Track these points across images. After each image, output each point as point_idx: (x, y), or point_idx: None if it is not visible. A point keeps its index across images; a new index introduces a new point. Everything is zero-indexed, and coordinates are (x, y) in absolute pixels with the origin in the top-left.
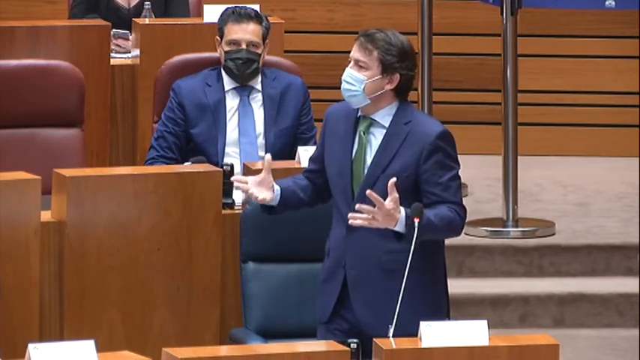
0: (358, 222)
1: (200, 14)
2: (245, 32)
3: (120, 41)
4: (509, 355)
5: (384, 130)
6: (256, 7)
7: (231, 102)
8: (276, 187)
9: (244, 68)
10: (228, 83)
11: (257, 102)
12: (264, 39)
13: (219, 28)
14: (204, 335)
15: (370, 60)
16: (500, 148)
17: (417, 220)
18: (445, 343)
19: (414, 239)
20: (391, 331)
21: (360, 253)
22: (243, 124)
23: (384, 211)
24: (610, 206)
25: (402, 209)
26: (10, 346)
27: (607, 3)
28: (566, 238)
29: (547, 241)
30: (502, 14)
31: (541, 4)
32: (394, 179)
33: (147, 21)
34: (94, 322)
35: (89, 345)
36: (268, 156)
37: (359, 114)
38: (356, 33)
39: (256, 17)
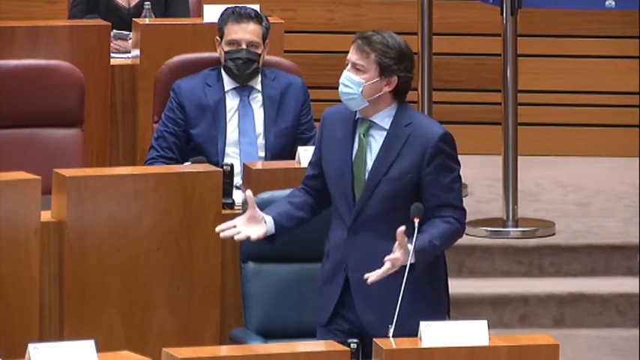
0: (374, 278)
1: (200, 14)
2: (245, 32)
3: (119, 42)
4: (509, 355)
5: (384, 133)
6: (256, 7)
7: (231, 102)
8: (267, 218)
9: (244, 68)
10: (228, 83)
11: (257, 102)
12: (264, 39)
13: (219, 28)
14: (204, 335)
15: (368, 63)
16: (500, 148)
17: (416, 220)
18: (445, 343)
19: (414, 239)
20: (391, 331)
21: (362, 255)
22: (243, 125)
23: (397, 266)
24: (610, 206)
25: (410, 246)
26: (10, 346)
27: (607, 3)
28: (566, 238)
29: (547, 241)
30: (502, 14)
31: (541, 4)
32: (403, 228)
33: (147, 21)
34: (94, 322)
35: (89, 345)
36: (249, 192)
37: (357, 116)
38: (356, 33)
39: (256, 17)
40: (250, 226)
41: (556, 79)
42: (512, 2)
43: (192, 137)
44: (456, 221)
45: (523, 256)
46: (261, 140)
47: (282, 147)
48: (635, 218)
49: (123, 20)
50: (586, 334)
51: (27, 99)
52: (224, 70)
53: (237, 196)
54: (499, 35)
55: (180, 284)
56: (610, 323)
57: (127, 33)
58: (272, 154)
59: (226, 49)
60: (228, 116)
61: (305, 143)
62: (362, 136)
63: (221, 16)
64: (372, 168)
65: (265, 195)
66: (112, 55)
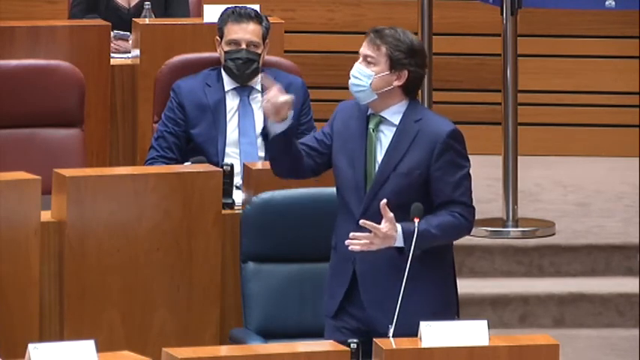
0: (357, 248)
1: (200, 14)
2: (245, 32)
3: (120, 42)
4: (509, 355)
5: (394, 128)
6: (256, 7)
7: (231, 102)
8: (291, 122)
9: (244, 68)
10: (228, 83)
11: (257, 102)
12: (264, 39)
13: (219, 28)
14: (204, 335)
15: (378, 55)
16: (500, 148)
17: (416, 220)
18: (445, 343)
19: (414, 239)
20: (391, 331)
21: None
22: (243, 125)
23: (381, 235)
24: (610, 206)
25: (399, 226)
26: (10, 346)
27: (607, 3)
28: (566, 238)
29: (547, 241)
30: (502, 14)
31: (541, 4)
32: (385, 201)
33: (147, 21)
34: (94, 322)
35: (89, 345)
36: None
37: (369, 112)
38: (356, 33)
39: (256, 17)
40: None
41: (556, 79)
42: (512, 2)
43: (192, 137)
44: (461, 216)
45: (523, 256)
46: (261, 140)
47: None
48: (635, 218)
49: (123, 20)
50: (586, 334)
51: (27, 99)
52: (224, 70)
53: (237, 196)
54: (499, 35)
55: (180, 284)
56: (610, 323)
57: (127, 33)
58: None
59: (226, 49)
60: (228, 116)
61: None
62: (372, 131)
63: (221, 16)
64: (381, 163)
65: (265, 195)
66: (112, 55)
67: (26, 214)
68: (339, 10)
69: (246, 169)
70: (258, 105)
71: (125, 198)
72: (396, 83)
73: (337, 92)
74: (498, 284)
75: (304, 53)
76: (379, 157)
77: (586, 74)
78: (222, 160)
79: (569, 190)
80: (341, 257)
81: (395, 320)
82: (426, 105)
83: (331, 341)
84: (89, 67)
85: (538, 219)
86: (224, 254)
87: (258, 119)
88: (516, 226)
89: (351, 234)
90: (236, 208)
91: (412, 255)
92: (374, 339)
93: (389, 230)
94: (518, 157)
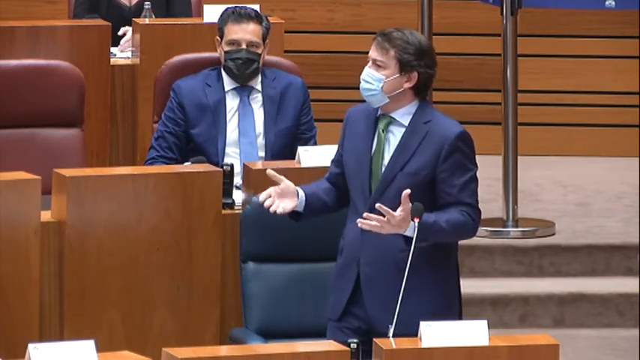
0: (365, 227)
1: (200, 14)
2: (245, 32)
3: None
4: (509, 355)
5: (403, 129)
6: (256, 7)
7: (231, 102)
8: (301, 193)
9: (244, 68)
10: (228, 83)
11: (257, 102)
12: (264, 39)
13: (219, 28)
14: (204, 335)
15: (388, 59)
16: (500, 148)
17: (416, 220)
18: (445, 343)
19: (414, 240)
20: (391, 331)
21: (376, 250)
22: (243, 125)
23: (394, 222)
24: (610, 206)
25: (411, 222)
26: (10, 346)
27: (607, 3)
28: (566, 238)
29: (547, 241)
30: (502, 14)
31: (541, 4)
32: (408, 191)
33: (147, 21)
34: (94, 322)
35: (89, 345)
36: (270, 171)
37: (379, 113)
38: (356, 33)
39: (256, 17)
40: (283, 197)
41: (556, 79)
42: (512, 2)
43: (192, 137)
44: (469, 216)
45: (523, 256)
46: (261, 140)
47: (282, 147)
48: (635, 218)
49: (124, 18)
50: (586, 334)
51: (27, 99)
52: (224, 70)
53: (237, 196)
54: (499, 35)
55: (180, 284)
56: (610, 323)
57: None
58: (272, 154)
59: (226, 49)
60: (228, 116)
61: (305, 143)
62: (381, 131)
63: (221, 16)
64: (388, 163)
65: None
66: (112, 53)
67: (26, 214)
68: (339, 10)
69: (246, 169)
70: (258, 105)
71: (125, 198)
72: (407, 85)
73: (337, 92)
74: (498, 284)
75: (304, 53)
76: (387, 158)
77: (586, 74)
78: (222, 160)
79: (569, 190)
80: (346, 260)
81: (395, 320)
82: None
83: (331, 341)
84: (89, 67)
85: (538, 219)
86: (224, 254)
87: (258, 119)
88: (516, 226)
89: (365, 214)
90: (236, 208)
91: (415, 246)
92: (374, 339)
93: (402, 220)
94: (518, 157)
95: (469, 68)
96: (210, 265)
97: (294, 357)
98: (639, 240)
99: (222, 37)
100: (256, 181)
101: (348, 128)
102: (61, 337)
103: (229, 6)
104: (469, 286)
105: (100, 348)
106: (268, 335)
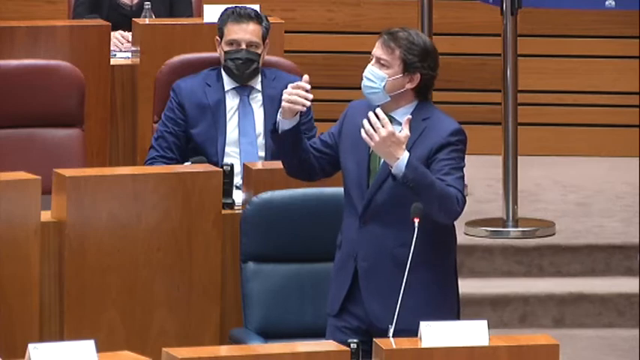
0: (363, 132)
1: (200, 14)
2: (245, 32)
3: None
4: (509, 355)
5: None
6: (256, 7)
7: (231, 102)
8: (298, 122)
9: (244, 68)
10: (228, 83)
11: (257, 102)
12: (264, 39)
13: (219, 28)
14: (204, 335)
15: (392, 58)
16: (500, 148)
17: (416, 220)
18: (445, 343)
19: (414, 240)
20: (391, 330)
21: (373, 245)
22: (243, 124)
23: (391, 137)
24: (610, 206)
25: (407, 153)
26: (10, 346)
27: (607, 3)
28: (566, 238)
29: (547, 241)
30: (502, 14)
31: (541, 4)
32: (410, 116)
33: (147, 21)
34: (94, 322)
35: (89, 345)
36: (306, 77)
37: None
38: (356, 33)
39: (256, 17)
40: (295, 105)
41: (556, 79)
42: (512, 2)
43: (192, 137)
44: (455, 194)
45: (523, 256)
46: (261, 140)
47: None
48: (635, 218)
49: (126, 17)
50: (586, 334)
51: (27, 99)
52: (224, 70)
53: (237, 196)
54: (499, 35)
55: (180, 284)
56: (610, 323)
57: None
58: (272, 154)
59: (226, 49)
60: (228, 116)
61: None
62: None
63: (221, 16)
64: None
65: (265, 195)
66: (113, 52)
67: (26, 214)
68: (339, 10)
69: (246, 169)
70: (258, 105)
71: (125, 198)
72: (409, 86)
73: (337, 92)
74: (498, 284)
75: (304, 53)
76: None
77: (586, 74)
78: (222, 160)
79: (569, 190)
80: (344, 255)
81: (395, 319)
82: None
83: (331, 341)
84: (89, 67)
85: (538, 219)
86: (224, 254)
87: (258, 119)
88: (516, 226)
89: (370, 117)
90: (236, 208)
91: (415, 244)
92: (374, 339)
93: (397, 140)
94: (518, 157)
95: (469, 68)
96: (210, 265)
97: (294, 357)
98: (639, 240)
99: (221, 37)
100: (256, 181)
101: (347, 119)
102: (61, 337)
103: (229, 6)
104: (469, 286)
105: (100, 348)
106: (268, 335)
